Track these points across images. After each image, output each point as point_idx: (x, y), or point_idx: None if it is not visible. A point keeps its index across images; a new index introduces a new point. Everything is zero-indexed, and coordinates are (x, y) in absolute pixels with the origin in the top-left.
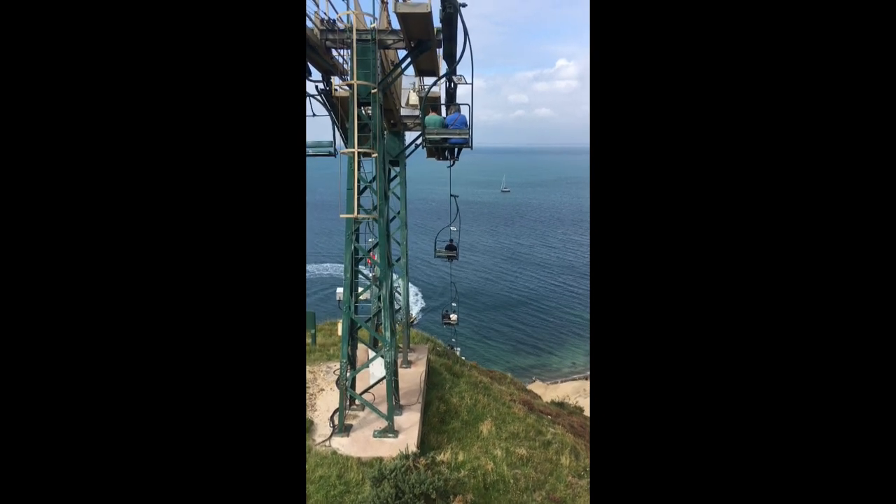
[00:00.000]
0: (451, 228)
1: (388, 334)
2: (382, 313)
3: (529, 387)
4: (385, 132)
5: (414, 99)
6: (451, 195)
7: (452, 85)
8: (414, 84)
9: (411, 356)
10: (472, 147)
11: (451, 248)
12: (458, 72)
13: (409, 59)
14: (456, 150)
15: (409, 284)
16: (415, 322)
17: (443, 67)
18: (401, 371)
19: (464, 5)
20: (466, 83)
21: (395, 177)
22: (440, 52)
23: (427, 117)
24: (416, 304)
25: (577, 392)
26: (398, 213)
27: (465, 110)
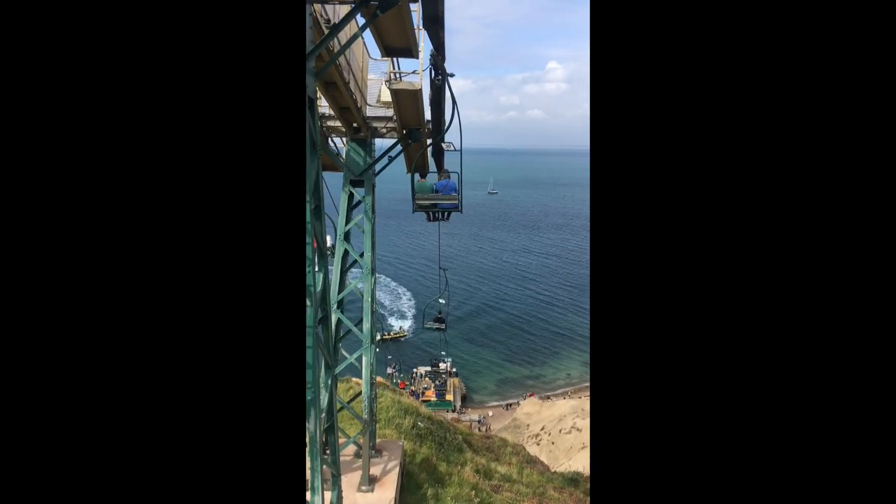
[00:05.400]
0: (440, 301)
1: (318, 495)
2: (309, 457)
3: (524, 404)
4: (345, 140)
5: (386, 94)
6: (440, 268)
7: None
8: (386, 73)
9: (375, 466)
10: (461, 211)
11: (439, 319)
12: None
13: (361, 19)
14: (446, 212)
15: (396, 285)
16: (404, 338)
17: (426, 45)
18: (360, 500)
19: (452, 75)
20: (455, 150)
21: (359, 203)
22: (415, 10)
23: (417, 183)
24: (408, 312)
25: (574, 412)
26: (361, 254)
27: (454, 178)
